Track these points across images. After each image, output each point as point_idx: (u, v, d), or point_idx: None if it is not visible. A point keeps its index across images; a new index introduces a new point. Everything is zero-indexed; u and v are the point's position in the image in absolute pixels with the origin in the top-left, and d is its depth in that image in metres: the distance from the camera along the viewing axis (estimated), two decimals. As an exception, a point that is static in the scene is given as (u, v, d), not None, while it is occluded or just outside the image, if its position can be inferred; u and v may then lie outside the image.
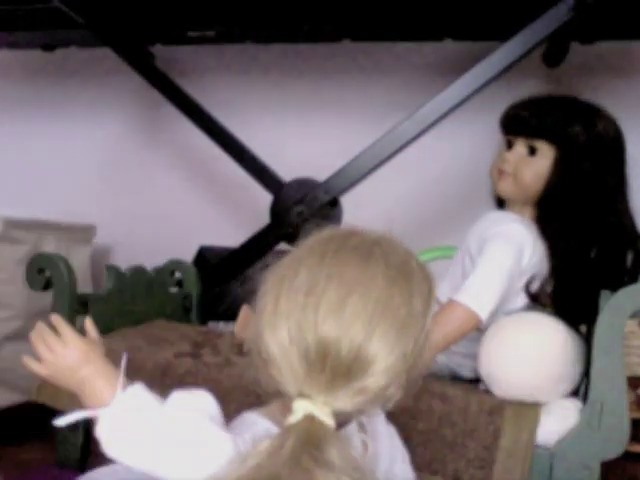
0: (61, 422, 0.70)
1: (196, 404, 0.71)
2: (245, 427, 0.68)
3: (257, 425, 0.68)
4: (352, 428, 0.69)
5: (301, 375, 0.61)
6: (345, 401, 0.61)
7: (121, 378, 0.71)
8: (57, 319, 0.77)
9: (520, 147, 1.14)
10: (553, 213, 1.11)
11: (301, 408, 0.61)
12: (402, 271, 0.65)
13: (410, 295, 0.64)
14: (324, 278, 0.62)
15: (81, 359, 0.72)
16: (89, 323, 0.79)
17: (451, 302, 1.05)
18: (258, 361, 0.65)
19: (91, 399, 0.70)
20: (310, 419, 0.60)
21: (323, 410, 0.60)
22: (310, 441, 0.59)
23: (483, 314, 1.03)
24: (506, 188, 1.16)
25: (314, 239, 0.67)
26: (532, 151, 1.13)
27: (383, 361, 0.61)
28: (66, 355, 0.73)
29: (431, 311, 0.66)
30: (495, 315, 1.05)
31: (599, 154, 1.09)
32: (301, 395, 0.61)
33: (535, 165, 1.12)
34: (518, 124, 1.15)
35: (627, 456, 1.02)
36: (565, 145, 1.10)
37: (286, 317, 0.62)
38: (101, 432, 0.68)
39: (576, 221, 1.09)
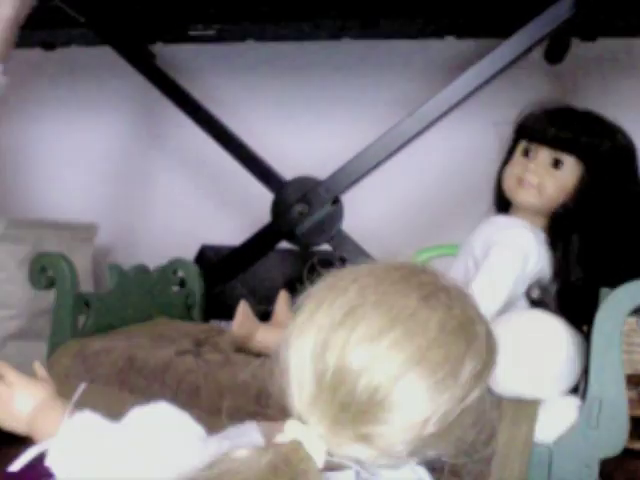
0: (16, 466, 0.68)
1: (156, 417, 0.67)
2: (233, 435, 0.64)
3: (246, 437, 0.63)
4: (346, 476, 0.58)
5: (307, 397, 0.55)
6: (343, 444, 0.54)
7: (69, 407, 0.69)
8: (1, 364, 0.75)
9: (544, 157, 1.11)
10: (568, 228, 1.10)
11: (292, 431, 0.55)
12: (463, 329, 0.57)
13: (461, 358, 0.56)
14: (371, 303, 0.55)
15: (27, 397, 0.71)
16: (37, 366, 0.78)
17: None
18: (277, 365, 0.59)
19: (42, 435, 0.68)
20: (296, 446, 0.54)
21: (315, 443, 0.54)
22: (287, 471, 0.52)
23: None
24: (530, 199, 1.12)
25: (382, 263, 0.61)
26: (556, 163, 1.12)
27: (401, 413, 0.54)
28: (12, 395, 0.72)
29: (479, 390, 0.58)
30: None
31: (623, 175, 1.09)
32: (299, 418, 0.55)
33: (561, 179, 1.10)
34: (546, 135, 1.11)
35: (629, 454, 1.02)
36: (594, 162, 1.09)
37: (317, 329, 0.56)
38: (52, 462, 0.65)
39: (590, 240, 1.09)
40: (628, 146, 1.11)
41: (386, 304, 0.55)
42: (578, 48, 1.71)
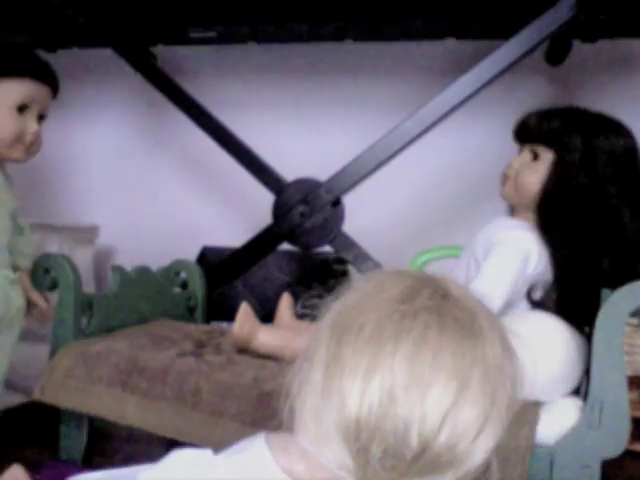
0: None
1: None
2: (242, 449, 0.61)
3: (254, 451, 0.60)
4: None
5: (380, 460, 0.51)
6: None
7: None
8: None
9: (525, 153, 1.15)
10: (550, 220, 1.10)
11: None
12: (508, 355, 0.56)
13: (511, 384, 0.56)
14: (429, 368, 0.52)
15: None
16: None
17: None
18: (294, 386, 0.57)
19: None
20: None
21: None
22: None
23: None
24: (507, 191, 1.16)
25: (402, 295, 0.56)
26: (535, 157, 1.13)
27: (475, 460, 0.53)
28: None
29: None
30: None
31: (597, 167, 1.08)
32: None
33: (535, 170, 1.12)
34: (523, 131, 1.16)
35: (631, 455, 1.01)
36: (561, 151, 1.10)
37: (378, 391, 0.51)
38: None
39: (573, 230, 1.09)
40: (611, 149, 1.10)
41: (444, 367, 0.53)
42: (579, 50, 1.71)
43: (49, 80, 1.18)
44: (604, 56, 1.79)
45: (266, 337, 1.18)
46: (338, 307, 0.58)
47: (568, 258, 1.08)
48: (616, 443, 0.90)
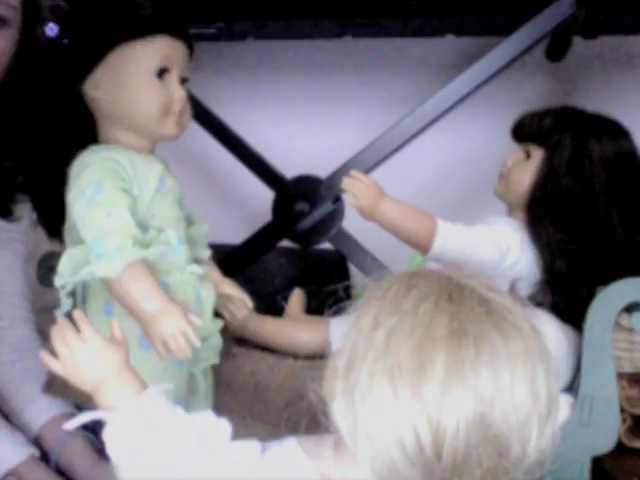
0: (70, 425, 0.66)
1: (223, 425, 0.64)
2: (274, 453, 0.61)
3: (289, 457, 0.60)
4: None
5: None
6: None
7: (138, 382, 0.66)
8: (79, 315, 0.69)
9: (520, 152, 1.17)
10: (537, 219, 1.11)
11: None
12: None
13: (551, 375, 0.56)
14: (509, 372, 0.52)
15: (99, 358, 0.66)
16: (115, 324, 0.71)
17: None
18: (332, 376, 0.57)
19: (105, 403, 0.64)
20: None
21: None
22: None
23: (441, 230, 1.06)
24: (499, 190, 1.18)
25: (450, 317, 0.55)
26: (528, 156, 1.14)
27: (533, 453, 0.54)
28: (83, 352, 0.66)
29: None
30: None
31: (585, 168, 1.08)
32: None
33: (526, 168, 1.13)
34: (519, 130, 1.18)
35: (632, 453, 1.02)
36: (551, 150, 1.10)
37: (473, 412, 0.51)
38: (108, 435, 0.62)
39: (559, 230, 1.09)
40: (603, 154, 1.09)
41: (519, 367, 0.53)
42: (579, 46, 1.70)
43: (183, 34, 0.95)
44: (605, 52, 1.79)
45: (259, 326, 1.20)
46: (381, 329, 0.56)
47: (554, 258, 1.08)
48: (606, 439, 0.91)
